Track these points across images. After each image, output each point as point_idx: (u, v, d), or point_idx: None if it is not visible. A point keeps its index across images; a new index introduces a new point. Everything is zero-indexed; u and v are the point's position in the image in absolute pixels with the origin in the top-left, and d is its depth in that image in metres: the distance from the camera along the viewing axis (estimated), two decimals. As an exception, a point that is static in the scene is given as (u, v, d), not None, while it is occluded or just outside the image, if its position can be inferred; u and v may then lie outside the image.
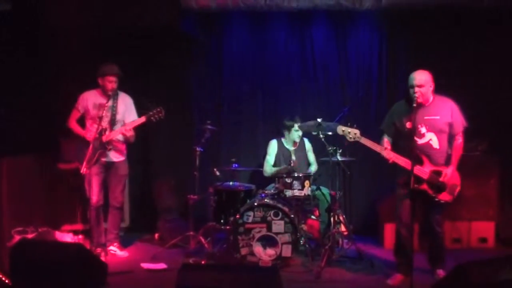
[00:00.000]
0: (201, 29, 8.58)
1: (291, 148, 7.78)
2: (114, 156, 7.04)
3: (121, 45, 8.14)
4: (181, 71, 8.61)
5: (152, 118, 6.75)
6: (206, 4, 7.76)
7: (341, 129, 5.86)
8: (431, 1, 7.57)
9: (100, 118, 6.56)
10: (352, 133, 5.80)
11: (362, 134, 5.82)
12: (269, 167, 7.77)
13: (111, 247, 7.26)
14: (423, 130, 5.79)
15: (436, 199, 5.77)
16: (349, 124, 5.88)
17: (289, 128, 7.70)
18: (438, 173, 5.73)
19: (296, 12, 8.03)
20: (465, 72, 7.95)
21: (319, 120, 6.84)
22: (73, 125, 7.01)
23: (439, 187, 5.74)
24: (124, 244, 7.48)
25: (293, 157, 7.48)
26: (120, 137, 6.96)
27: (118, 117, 6.99)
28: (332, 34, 8.54)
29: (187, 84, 8.68)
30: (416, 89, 5.66)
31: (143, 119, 6.80)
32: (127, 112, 7.08)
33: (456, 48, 8.07)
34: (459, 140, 5.89)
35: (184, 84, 8.67)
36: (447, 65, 7.81)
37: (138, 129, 7.01)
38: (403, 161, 5.69)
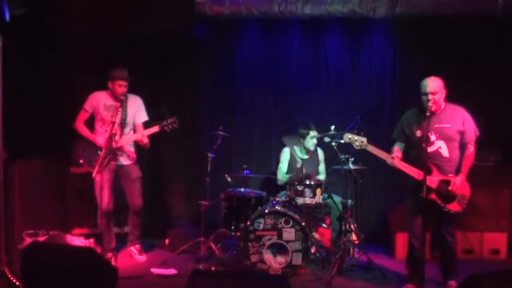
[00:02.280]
0: (214, 35, 8.60)
1: (303, 156, 7.75)
2: (124, 160, 7.03)
3: (134, 51, 8.20)
4: (194, 77, 8.62)
5: (165, 128, 6.70)
6: (220, 11, 7.77)
7: (347, 136, 5.85)
8: (444, 9, 7.52)
9: (113, 123, 6.51)
10: (358, 140, 5.78)
11: (371, 142, 5.80)
12: (282, 174, 7.76)
13: (132, 248, 7.30)
14: (432, 137, 5.74)
15: (446, 209, 5.71)
16: (356, 131, 5.86)
17: (304, 136, 7.68)
18: (446, 183, 5.68)
19: (309, 19, 8.02)
20: (479, 81, 7.90)
21: (332, 128, 6.85)
22: (80, 127, 6.96)
23: (448, 197, 5.68)
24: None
25: (298, 165, 7.44)
26: (131, 143, 6.96)
27: (128, 119, 7.00)
28: (346, 42, 8.55)
29: (199, 90, 8.70)
30: (430, 96, 5.62)
31: (156, 128, 6.75)
32: (137, 113, 7.09)
33: (470, 56, 8.02)
34: (471, 149, 5.83)
35: (196, 90, 8.69)
36: (461, 73, 7.78)
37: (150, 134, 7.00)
38: (411, 170, 5.65)
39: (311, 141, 7.68)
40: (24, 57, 7.14)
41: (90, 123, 7.07)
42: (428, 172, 5.56)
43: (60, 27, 7.62)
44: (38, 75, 7.39)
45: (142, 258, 7.27)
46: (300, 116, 8.28)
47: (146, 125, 7.04)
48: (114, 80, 6.86)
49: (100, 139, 6.74)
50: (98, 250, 6.44)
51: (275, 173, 7.95)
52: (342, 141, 6.80)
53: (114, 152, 6.69)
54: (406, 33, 8.29)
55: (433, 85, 5.67)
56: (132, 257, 7.23)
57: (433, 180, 5.67)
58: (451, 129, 5.75)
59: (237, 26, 8.59)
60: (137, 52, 8.22)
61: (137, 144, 7.06)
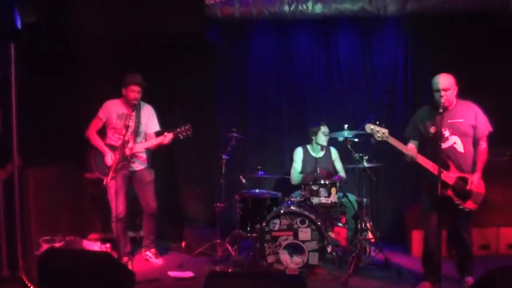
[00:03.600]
0: (226, 37, 8.60)
1: (317, 155, 7.75)
2: (136, 165, 7.03)
3: (146, 55, 8.19)
4: (206, 79, 8.64)
5: (179, 135, 6.72)
6: (230, 13, 7.79)
7: (369, 127, 5.81)
8: (456, 6, 7.51)
9: (127, 127, 6.53)
10: (380, 131, 5.76)
11: (390, 134, 5.79)
12: (296, 174, 7.76)
13: (148, 253, 7.31)
14: (446, 133, 5.74)
15: (460, 207, 5.70)
16: (377, 122, 5.84)
17: (316, 133, 7.68)
18: (464, 180, 5.67)
19: (320, 19, 8.02)
20: (491, 77, 7.86)
21: (345, 126, 6.85)
22: (93, 136, 6.90)
23: (465, 195, 5.67)
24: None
25: (312, 164, 7.42)
26: (143, 150, 6.99)
27: (142, 128, 6.99)
28: (357, 41, 8.53)
29: (212, 92, 8.71)
30: (442, 92, 5.62)
31: (170, 135, 6.75)
32: (150, 122, 7.08)
33: (482, 53, 7.98)
34: (483, 145, 5.80)
35: (209, 92, 8.70)
36: (473, 70, 7.74)
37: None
38: (430, 165, 5.64)
39: (323, 137, 7.69)
40: (36, 63, 7.18)
41: (102, 130, 7.07)
42: (445, 167, 5.57)
43: (72, 32, 7.67)
44: (52, 82, 7.43)
45: (159, 261, 7.28)
46: (313, 116, 8.27)
47: (157, 134, 7.05)
48: (128, 85, 6.84)
49: (109, 156, 6.74)
50: (115, 255, 6.47)
51: (289, 173, 7.95)
52: (356, 140, 6.81)
53: (127, 159, 6.72)
54: (417, 30, 8.27)
55: (444, 81, 5.67)
56: (148, 261, 7.25)
57: (450, 176, 5.65)
58: (464, 124, 5.74)
59: (248, 27, 8.59)
60: (148, 57, 8.23)
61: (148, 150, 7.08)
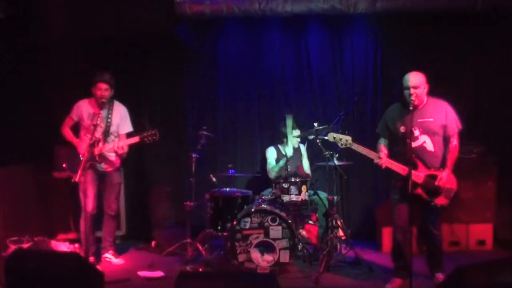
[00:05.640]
0: (195, 35, 8.56)
1: (288, 153, 7.74)
2: (106, 167, 7.00)
3: (115, 53, 8.13)
4: (176, 77, 8.57)
5: (145, 139, 6.66)
6: (200, 10, 7.73)
7: (332, 136, 5.86)
8: (425, 4, 7.54)
9: (95, 126, 6.48)
10: (343, 139, 5.79)
11: (356, 139, 5.80)
12: (272, 166, 7.71)
13: (106, 254, 7.23)
14: (416, 132, 5.76)
15: (432, 204, 5.74)
16: (340, 130, 5.86)
17: (286, 136, 7.68)
18: (433, 177, 5.70)
19: (290, 16, 8.01)
20: (460, 75, 7.92)
21: (315, 124, 6.83)
22: (66, 131, 6.97)
23: (435, 191, 5.71)
24: (120, 252, 7.45)
25: (289, 166, 7.38)
26: (112, 152, 6.91)
27: (112, 128, 6.94)
28: (327, 39, 8.51)
29: (182, 90, 8.64)
30: (412, 90, 5.64)
31: (136, 139, 6.72)
32: (122, 123, 7.04)
33: (450, 51, 8.05)
34: (454, 142, 5.83)
35: (179, 90, 8.62)
36: (442, 68, 7.82)
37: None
38: (398, 167, 5.68)
39: (294, 140, 7.71)
40: (2, 62, 7.08)
41: (77, 129, 7.03)
42: (413, 167, 5.59)
43: (40, 30, 7.58)
44: (18, 80, 7.33)
45: (120, 261, 7.25)
46: (283, 114, 8.26)
47: (129, 136, 7.02)
48: (95, 83, 6.80)
49: (82, 146, 6.71)
50: (82, 254, 6.41)
51: (260, 171, 7.94)
52: (326, 138, 6.81)
53: (95, 159, 6.67)
54: (387, 28, 8.30)
55: (415, 79, 5.69)
56: (110, 263, 7.17)
57: (419, 175, 5.68)
58: (434, 123, 5.77)
59: (218, 24, 8.53)
60: (118, 53, 8.16)
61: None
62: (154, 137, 6.66)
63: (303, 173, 7.55)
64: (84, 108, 6.93)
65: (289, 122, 7.62)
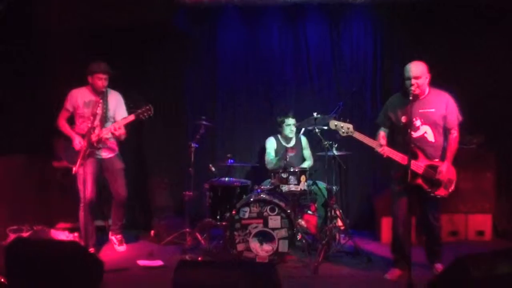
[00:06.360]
0: (194, 24, 8.53)
1: (288, 144, 7.73)
2: (105, 153, 6.98)
3: (113, 42, 8.10)
4: (175, 66, 8.55)
5: (141, 115, 6.65)
6: (198, -1, 7.73)
7: (333, 123, 5.81)
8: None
9: (94, 115, 6.48)
10: (345, 127, 5.75)
11: (355, 128, 5.78)
12: (270, 158, 7.72)
13: (113, 237, 7.30)
14: (417, 123, 5.75)
15: (432, 194, 5.73)
16: (341, 118, 5.83)
17: (281, 124, 7.68)
18: (433, 168, 5.69)
19: (289, 6, 8.00)
20: (460, 66, 7.91)
21: (315, 114, 6.81)
22: (62, 124, 6.90)
23: (434, 183, 5.71)
24: (121, 241, 7.46)
25: (288, 156, 7.37)
26: (109, 134, 6.88)
27: (110, 114, 6.93)
28: (326, 28, 8.49)
29: (181, 79, 8.61)
30: (413, 80, 5.61)
31: (132, 117, 6.70)
32: (118, 109, 7.02)
33: (451, 41, 8.02)
34: (454, 134, 5.82)
35: (178, 79, 8.60)
36: (443, 58, 7.77)
37: (131, 126, 6.97)
38: (398, 156, 5.66)
39: (288, 128, 7.69)
40: (0, 53, 7.07)
41: (72, 118, 6.99)
42: (414, 157, 5.58)
43: (38, 20, 7.55)
44: (17, 71, 7.31)
45: (122, 248, 7.27)
46: (282, 103, 8.27)
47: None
48: (94, 74, 6.78)
49: (77, 141, 6.68)
50: (82, 243, 6.41)
51: (259, 161, 7.93)
52: (325, 128, 6.79)
53: (93, 146, 6.64)
54: (386, 18, 8.27)
55: (416, 69, 5.66)
56: (112, 251, 7.18)
57: (419, 165, 5.68)
58: (436, 114, 5.75)
59: (217, 13, 8.51)
60: (116, 44, 8.13)
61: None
62: (149, 112, 6.65)
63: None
64: (79, 97, 6.90)
65: (289, 121, 7.64)
